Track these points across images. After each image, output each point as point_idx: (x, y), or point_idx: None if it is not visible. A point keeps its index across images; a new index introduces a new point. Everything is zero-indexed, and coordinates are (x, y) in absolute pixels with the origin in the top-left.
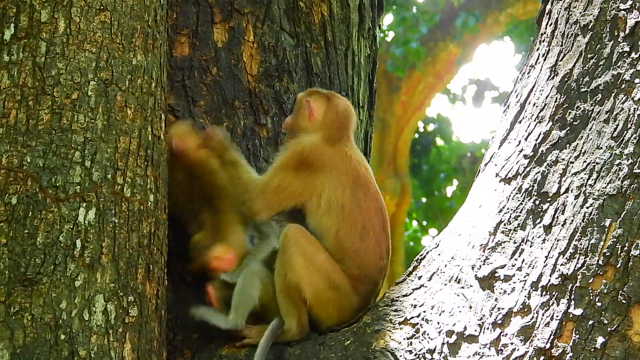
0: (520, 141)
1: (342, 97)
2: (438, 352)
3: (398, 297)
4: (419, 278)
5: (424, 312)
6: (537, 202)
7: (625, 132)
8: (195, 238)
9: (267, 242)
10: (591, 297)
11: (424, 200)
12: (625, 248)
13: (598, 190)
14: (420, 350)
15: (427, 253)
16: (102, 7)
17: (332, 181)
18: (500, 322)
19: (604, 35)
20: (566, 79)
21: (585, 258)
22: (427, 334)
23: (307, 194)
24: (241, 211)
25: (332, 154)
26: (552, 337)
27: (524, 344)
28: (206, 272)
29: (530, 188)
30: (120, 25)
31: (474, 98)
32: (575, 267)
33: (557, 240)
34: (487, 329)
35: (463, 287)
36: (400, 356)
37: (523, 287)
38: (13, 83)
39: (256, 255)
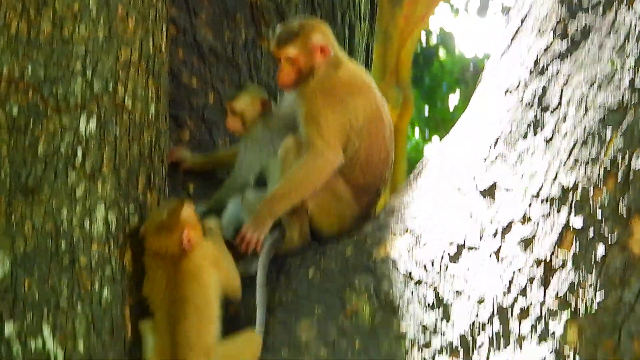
0: (521, 53)
1: (315, 18)
2: (438, 262)
3: (399, 207)
4: (420, 187)
5: (425, 221)
6: (538, 114)
7: (627, 44)
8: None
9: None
10: (592, 208)
11: (426, 108)
12: (626, 159)
13: (599, 103)
14: (421, 260)
15: (429, 162)
16: None
17: (360, 101)
18: (501, 231)
19: None
20: None
21: (585, 169)
22: (428, 243)
23: (350, 121)
24: (322, 175)
25: (347, 75)
26: (552, 247)
27: (524, 254)
28: None
29: (532, 100)
30: None
31: (477, 10)
32: (575, 178)
33: (558, 151)
34: (488, 238)
35: (464, 197)
36: (401, 265)
37: (524, 197)
38: None
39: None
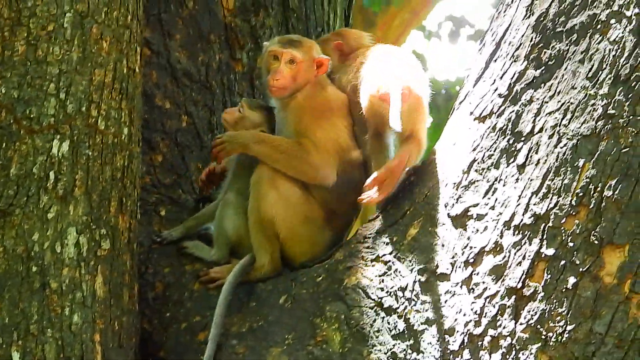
0: (495, 80)
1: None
2: (410, 290)
3: (371, 234)
4: (392, 215)
5: (396, 249)
6: (511, 141)
7: (600, 72)
8: None
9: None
10: (563, 237)
11: None
12: (599, 188)
13: (572, 131)
14: (392, 287)
15: (400, 190)
16: None
17: (346, 121)
18: (472, 260)
19: None
20: (542, 19)
21: (558, 198)
22: (399, 272)
23: (338, 142)
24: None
25: (335, 96)
26: (523, 276)
27: (496, 283)
28: None
29: (505, 127)
30: None
31: (449, 35)
32: (548, 206)
33: (531, 180)
34: (459, 267)
35: (436, 225)
36: (372, 293)
37: (495, 226)
38: None
39: (231, 185)
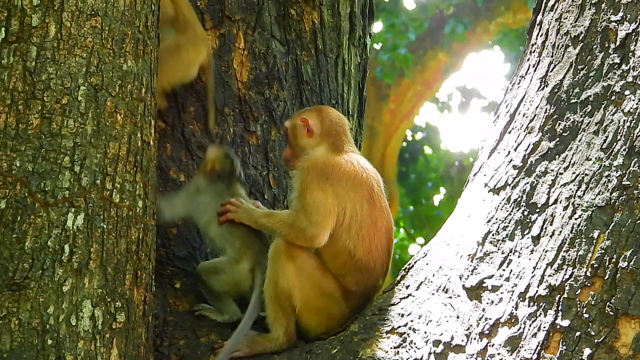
0: (509, 151)
1: (329, 106)
2: None
3: (386, 306)
4: (407, 287)
5: (411, 321)
6: (525, 213)
7: (615, 143)
8: None
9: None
10: (578, 309)
11: (411, 208)
12: (614, 260)
13: (587, 202)
14: (407, 359)
15: (415, 262)
16: (93, 12)
17: (352, 194)
18: (487, 332)
19: (595, 46)
20: (556, 90)
21: (573, 269)
22: (414, 344)
23: (337, 208)
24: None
25: (344, 163)
26: (539, 348)
27: (511, 355)
28: None
29: (519, 199)
30: (111, 31)
31: (459, 106)
32: (563, 278)
33: (545, 251)
34: (474, 339)
35: (451, 297)
36: None
37: (510, 297)
38: (3, 87)
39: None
